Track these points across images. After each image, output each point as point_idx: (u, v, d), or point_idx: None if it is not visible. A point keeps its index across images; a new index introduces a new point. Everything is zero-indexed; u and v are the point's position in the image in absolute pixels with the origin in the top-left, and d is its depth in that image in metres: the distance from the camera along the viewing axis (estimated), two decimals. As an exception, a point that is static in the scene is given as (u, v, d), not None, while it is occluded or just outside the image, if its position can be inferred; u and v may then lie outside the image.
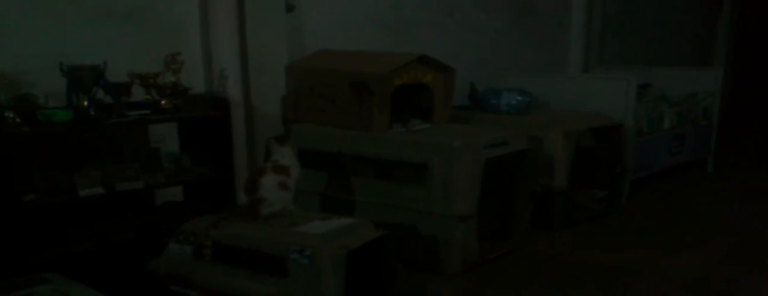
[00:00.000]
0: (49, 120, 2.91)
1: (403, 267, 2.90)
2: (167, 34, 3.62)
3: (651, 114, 4.96)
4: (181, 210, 3.43)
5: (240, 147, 3.72)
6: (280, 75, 3.87)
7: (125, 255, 3.09)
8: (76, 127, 2.99)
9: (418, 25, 4.93)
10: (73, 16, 3.30)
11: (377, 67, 3.45)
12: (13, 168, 2.86)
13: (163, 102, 3.28)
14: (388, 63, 3.45)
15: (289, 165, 2.88)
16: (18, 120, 2.84)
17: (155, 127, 3.50)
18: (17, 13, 3.14)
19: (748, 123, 8.28)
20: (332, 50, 4.00)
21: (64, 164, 3.06)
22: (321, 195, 3.61)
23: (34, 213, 2.96)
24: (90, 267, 2.95)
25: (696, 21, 8.30)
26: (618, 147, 4.37)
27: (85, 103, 3.02)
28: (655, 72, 5.55)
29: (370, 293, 2.72)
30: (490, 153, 3.33)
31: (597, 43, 6.56)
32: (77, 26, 3.31)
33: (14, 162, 2.87)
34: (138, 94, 3.31)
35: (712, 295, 3.20)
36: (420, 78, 3.59)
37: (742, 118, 8.31)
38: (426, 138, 3.41)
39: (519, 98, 4.31)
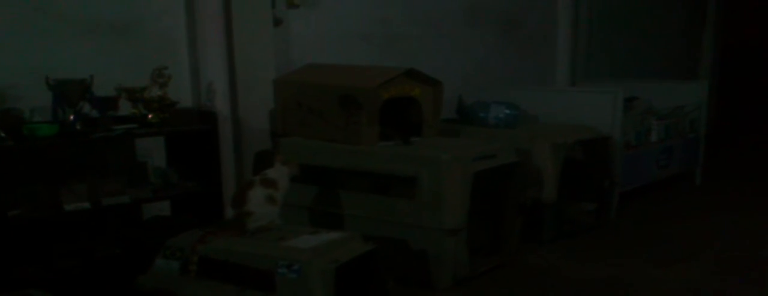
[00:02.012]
0: (34, 134, 2.88)
1: (393, 282, 2.88)
2: (155, 48, 3.61)
3: (638, 127, 4.97)
4: (169, 224, 3.40)
5: (228, 161, 3.70)
6: (268, 89, 3.86)
7: (111, 271, 3.06)
8: (61, 141, 2.97)
9: (405, 39, 4.94)
10: (61, 31, 3.29)
11: (365, 81, 3.44)
12: (-3, 183, 2.83)
13: (150, 116, 3.27)
14: (376, 77, 3.45)
15: (277, 179, 2.87)
16: (2, 134, 2.82)
17: (142, 141, 3.48)
18: (3, 28, 3.12)
19: (736, 135, 8.34)
20: (320, 64, 4.00)
21: (50, 179, 3.03)
22: (310, 210, 3.59)
23: (18, 229, 2.92)
24: (75, 283, 2.92)
25: (681, 35, 8.38)
26: (606, 160, 4.37)
27: (71, 117, 3.00)
28: (641, 85, 5.57)
29: (359, 308, 2.69)
30: (479, 166, 3.32)
31: (583, 57, 6.60)
32: (64, 40, 3.30)
33: (-2, 177, 2.84)
34: (125, 108, 3.29)
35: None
36: (408, 91, 3.59)
37: (730, 130, 8.37)
38: (415, 151, 3.40)
39: (507, 111, 4.31)
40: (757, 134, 8.35)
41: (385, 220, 3.33)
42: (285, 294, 2.47)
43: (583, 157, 4.30)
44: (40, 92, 2.97)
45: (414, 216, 3.26)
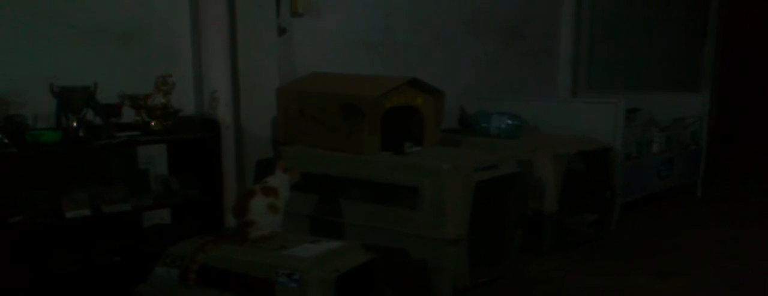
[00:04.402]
0: (37, 141, 2.89)
1: (393, 292, 2.87)
2: (159, 56, 3.62)
3: (640, 138, 4.98)
4: (169, 233, 3.40)
5: (229, 169, 3.71)
6: (271, 97, 3.87)
7: (111, 279, 3.05)
8: (64, 148, 2.97)
9: (408, 48, 4.96)
10: (65, 38, 3.30)
11: (368, 90, 3.45)
12: (-1, 189, 2.83)
13: (152, 123, 3.27)
14: (379, 86, 3.46)
15: (277, 187, 2.86)
16: (5, 140, 2.83)
17: (144, 148, 3.49)
18: (7, 35, 3.13)
19: (737, 147, 8.34)
20: (323, 73, 4.01)
21: (51, 185, 3.03)
22: (310, 218, 3.58)
23: (19, 235, 2.92)
24: (74, 291, 2.91)
25: (682, 46, 8.40)
26: (607, 170, 4.38)
27: (74, 124, 3.01)
28: (643, 96, 5.59)
29: (359, 317, 2.69)
30: (480, 176, 3.32)
31: (585, 68, 6.62)
32: (69, 48, 3.31)
33: (0, 184, 2.83)
34: (128, 115, 3.30)
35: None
36: (410, 101, 3.60)
37: (731, 141, 8.36)
38: (416, 161, 3.40)
39: (509, 122, 4.32)
40: (758, 145, 8.33)
41: (385, 230, 3.33)
42: (285, 303, 2.47)
43: (584, 168, 4.30)
44: (43, 99, 2.97)
45: (415, 225, 3.26)
